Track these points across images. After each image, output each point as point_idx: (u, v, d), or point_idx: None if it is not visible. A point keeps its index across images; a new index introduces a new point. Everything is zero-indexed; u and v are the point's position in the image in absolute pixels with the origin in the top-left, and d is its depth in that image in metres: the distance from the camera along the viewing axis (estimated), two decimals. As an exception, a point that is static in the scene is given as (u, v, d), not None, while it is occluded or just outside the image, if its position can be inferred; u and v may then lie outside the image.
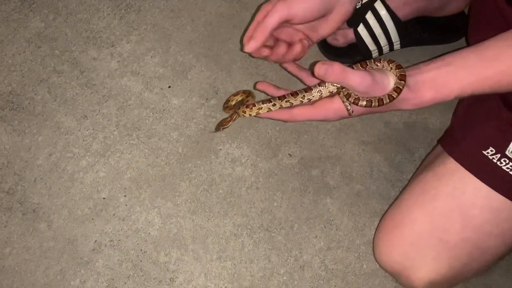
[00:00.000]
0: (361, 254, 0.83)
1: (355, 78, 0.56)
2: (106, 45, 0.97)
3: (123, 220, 0.83)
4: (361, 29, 0.93)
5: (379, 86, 0.59)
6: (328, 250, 0.83)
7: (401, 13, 0.92)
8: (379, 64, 0.62)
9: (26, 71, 0.93)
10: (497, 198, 0.66)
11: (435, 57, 0.62)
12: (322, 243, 0.84)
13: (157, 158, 0.88)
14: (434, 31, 0.99)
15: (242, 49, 0.69)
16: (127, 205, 0.84)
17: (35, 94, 0.91)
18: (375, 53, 0.97)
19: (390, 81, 0.60)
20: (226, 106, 0.78)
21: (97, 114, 0.90)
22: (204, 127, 0.91)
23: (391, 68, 0.61)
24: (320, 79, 0.60)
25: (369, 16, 0.92)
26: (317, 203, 0.87)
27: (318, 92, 0.64)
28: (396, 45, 0.97)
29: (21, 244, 0.80)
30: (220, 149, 0.90)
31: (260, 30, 0.65)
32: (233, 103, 0.76)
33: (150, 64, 0.96)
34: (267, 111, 0.67)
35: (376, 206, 0.87)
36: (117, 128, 0.90)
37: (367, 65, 0.62)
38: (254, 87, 0.73)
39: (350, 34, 0.96)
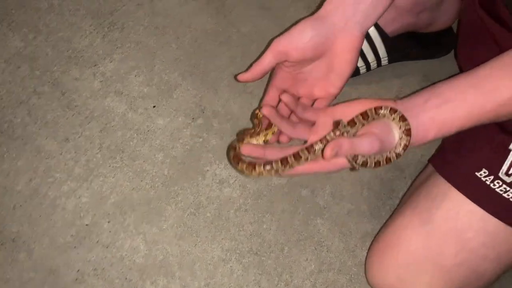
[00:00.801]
0: (353, 276, 0.81)
1: (364, 148, 0.56)
2: (89, 64, 0.94)
3: (107, 247, 0.79)
4: (349, 45, 0.92)
5: (386, 145, 0.58)
6: (319, 272, 0.81)
7: (389, 29, 0.91)
8: (381, 112, 0.59)
9: (5, 93, 0.90)
10: (492, 221, 0.64)
11: (430, 86, 0.60)
12: (313, 265, 0.82)
13: (141, 181, 0.85)
14: (422, 46, 0.98)
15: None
16: (111, 232, 0.81)
17: (14, 117, 0.88)
18: (362, 69, 0.96)
19: (395, 135, 0.59)
20: (256, 114, 0.73)
21: (79, 137, 0.87)
22: (191, 148, 0.89)
23: (393, 118, 0.59)
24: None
25: (357, 33, 0.91)
26: (308, 224, 0.85)
27: (321, 150, 0.60)
28: (384, 61, 0.96)
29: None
30: (207, 170, 0.87)
31: (256, 65, 0.67)
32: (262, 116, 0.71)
33: (134, 83, 0.94)
34: (268, 175, 0.63)
35: (367, 226, 0.86)
36: (100, 151, 0.87)
37: (369, 116, 0.60)
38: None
39: (337, 50, 0.95)
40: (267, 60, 0.66)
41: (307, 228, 0.84)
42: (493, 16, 0.66)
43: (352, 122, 0.59)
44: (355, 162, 0.57)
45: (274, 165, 0.61)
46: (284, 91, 0.71)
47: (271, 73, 0.72)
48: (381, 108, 0.59)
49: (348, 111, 0.63)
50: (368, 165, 0.59)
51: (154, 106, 0.92)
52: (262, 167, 0.61)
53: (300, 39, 0.65)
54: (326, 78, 0.69)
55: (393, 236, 0.71)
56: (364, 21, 0.65)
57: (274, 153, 0.64)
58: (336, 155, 0.54)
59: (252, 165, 0.62)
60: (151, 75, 0.95)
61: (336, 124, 0.60)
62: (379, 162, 0.60)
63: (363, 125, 0.60)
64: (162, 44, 0.99)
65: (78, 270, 0.77)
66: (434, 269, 0.67)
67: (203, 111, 0.92)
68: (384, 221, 0.83)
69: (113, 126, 0.89)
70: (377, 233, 0.79)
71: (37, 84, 0.91)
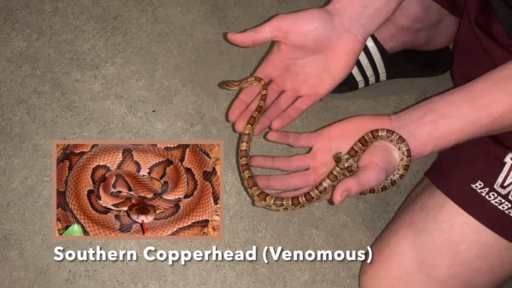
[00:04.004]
0: (346, 288, 0.81)
1: (372, 183, 0.57)
2: (90, 67, 0.95)
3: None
4: (348, 59, 0.93)
5: (390, 170, 0.60)
6: (313, 283, 0.81)
7: (388, 46, 0.93)
8: (378, 136, 0.61)
9: (5, 91, 0.90)
10: (486, 233, 0.65)
11: (425, 101, 0.62)
12: (307, 276, 0.81)
13: (138, 184, 0.85)
14: (420, 64, 1.00)
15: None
16: (105, 233, 0.80)
17: (13, 115, 0.88)
18: (361, 84, 0.97)
19: (396, 157, 0.60)
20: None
21: (77, 137, 0.87)
22: (188, 153, 0.89)
23: (391, 140, 0.60)
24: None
25: (357, 47, 0.92)
26: (302, 234, 0.85)
27: (332, 186, 0.61)
28: (382, 77, 0.98)
29: (-11, 273, 0.75)
30: (204, 176, 0.87)
31: (250, 31, 0.64)
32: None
33: (135, 88, 0.94)
34: (276, 210, 0.64)
35: (362, 238, 0.86)
36: (97, 152, 0.87)
37: (367, 141, 0.61)
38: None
39: (337, 64, 0.96)
40: (264, 31, 0.64)
41: (302, 238, 0.84)
42: (487, 33, 0.68)
43: (353, 151, 0.61)
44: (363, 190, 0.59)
45: (284, 202, 0.62)
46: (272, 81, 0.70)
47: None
48: (377, 131, 0.60)
49: (343, 132, 0.64)
50: (376, 191, 0.63)
51: (153, 111, 0.92)
52: (272, 200, 0.63)
53: (305, 24, 0.63)
54: (319, 77, 0.68)
55: (387, 248, 0.72)
56: (369, 25, 0.66)
57: (278, 182, 0.66)
58: (347, 197, 0.55)
59: (264, 195, 0.63)
60: (151, 80, 0.96)
61: (338, 158, 0.61)
62: (385, 187, 0.63)
63: (363, 151, 0.61)
64: (164, 51, 1.00)
65: (70, 271, 0.77)
66: (427, 280, 0.67)
67: (202, 118, 0.93)
68: (379, 234, 0.84)
69: (111, 128, 0.89)
70: (372, 244, 0.80)
71: (37, 84, 0.92)
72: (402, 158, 0.60)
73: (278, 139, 0.68)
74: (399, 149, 0.59)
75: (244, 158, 0.68)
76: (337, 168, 0.60)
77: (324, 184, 0.61)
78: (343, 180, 0.56)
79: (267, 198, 0.63)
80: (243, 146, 0.68)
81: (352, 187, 0.55)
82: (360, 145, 0.60)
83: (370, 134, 0.60)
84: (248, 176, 0.66)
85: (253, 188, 0.65)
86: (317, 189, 0.61)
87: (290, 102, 0.71)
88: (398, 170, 0.61)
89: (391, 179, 0.62)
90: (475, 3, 0.71)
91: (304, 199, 0.62)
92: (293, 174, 0.67)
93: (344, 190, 0.54)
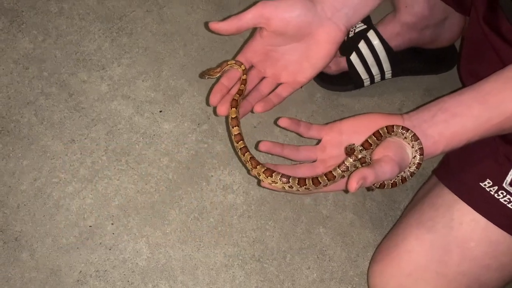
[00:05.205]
0: (354, 286, 0.82)
1: (387, 175, 0.57)
2: (97, 67, 0.95)
3: (109, 249, 0.79)
4: (354, 57, 0.94)
5: (403, 166, 0.60)
6: (321, 281, 0.81)
7: (394, 43, 0.93)
8: (393, 132, 0.61)
9: (13, 93, 0.90)
10: (495, 231, 0.65)
11: (435, 101, 0.62)
12: (315, 274, 0.82)
13: (146, 184, 0.85)
14: (425, 62, 1.00)
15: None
16: (114, 234, 0.81)
17: (21, 117, 0.88)
18: (366, 82, 0.98)
19: (409, 155, 0.61)
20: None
21: (85, 138, 0.88)
22: (196, 153, 0.89)
23: (405, 137, 0.60)
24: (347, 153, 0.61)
25: (362, 45, 0.93)
26: (310, 233, 0.85)
27: (341, 176, 0.61)
28: (388, 74, 0.98)
29: (1, 275, 0.76)
30: (212, 176, 0.88)
31: (233, 19, 0.64)
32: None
33: (141, 88, 0.95)
34: (281, 187, 0.63)
35: (369, 236, 0.86)
36: (105, 153, 0.87)
37: (382, 136, 0.61)
38: (256, 148, 0.68)
39: (342, 62, 0.96)
40: (247, 18, 0.64)
41: (310, 236, 0.85)
42: (496, 31, 0.68)
43: (367, 144, 0.61)
44: (373, 185, 0.59)
45: (291, 180, 0.62)
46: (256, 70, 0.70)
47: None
48: (393, 127, 0.61)
49: (355, 127, 0.64)
50: (385, 187, 0.63)
51: (160, 111, 0.93)
52: (279, 177, 0.62)
53: (287, 11, 0.63)
54: (299, 64, 0.68)
55: (396, 245, 0.72)
56: (352, 15, 0.66)
57: (286, 171, 0.65)
58: (362, 186, 0.55)
59: (269, 171, 0.63)
60: (158, 81, 0.96)
61: (350, 149, 0.61)
62: (395, 183, 0.63)
63: (377, 145, 0.61)
64: (170, 51, 1.00)
65: (80, 271, 0.77)
66: (436, 278, 0.67)
67: (208, 117, 0.93)
68: (386, 232, 0.84)
69: (119, 129, 0.90)
70: (380, 243, 0.80)
71: (44, 85, 0.92)
72: (415, 156, 0.60)
73: (289, 126, 0.67)
74: (412, 147, 0.60)
75: (241, 141, 0.67)
76: (350, 159, 0.60)
77: (334, 173, 0.61)
78: (358, 169, 0.57)
79: (273, 175, 0.62)
80: (236, 130, 0.67)
81: (368, 176, 0.55)
82: (375, 138, 0.61)
83: (385, 129, 0.61)
84: (250, 158, 0.65)
85: (257, 167, 0.64)
86: (326, 176, 0.61)
87: (270, 88, 0.71)
88: (410, 167, 0.61)
89: (401, 176, 0.63)
90: (482, 0, 0.71)
91: (311, 182, 0.61)
92: (302, 164, 0.67)
93: (361, 178, 0.54)
